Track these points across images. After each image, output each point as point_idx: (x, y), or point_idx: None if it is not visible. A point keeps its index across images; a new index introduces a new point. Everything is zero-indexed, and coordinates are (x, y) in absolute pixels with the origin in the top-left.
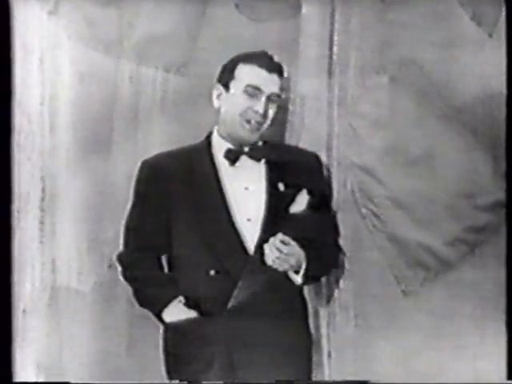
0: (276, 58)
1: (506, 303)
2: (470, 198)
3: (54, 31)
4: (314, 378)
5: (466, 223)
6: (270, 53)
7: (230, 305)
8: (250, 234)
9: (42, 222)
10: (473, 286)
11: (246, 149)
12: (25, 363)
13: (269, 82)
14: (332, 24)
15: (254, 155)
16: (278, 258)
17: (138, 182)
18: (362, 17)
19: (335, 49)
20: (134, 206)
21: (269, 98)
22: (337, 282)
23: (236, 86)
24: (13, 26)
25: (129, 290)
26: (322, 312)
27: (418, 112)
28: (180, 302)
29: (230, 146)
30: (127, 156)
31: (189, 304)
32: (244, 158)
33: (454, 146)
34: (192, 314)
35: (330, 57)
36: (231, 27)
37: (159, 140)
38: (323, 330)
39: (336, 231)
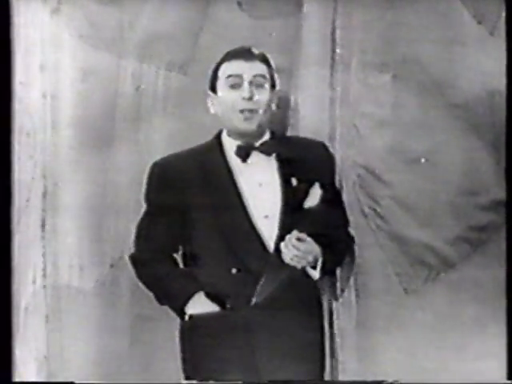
0: (278, 56)
1: (507, 303)
2: (472, 197)
3: (56, 29)
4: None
5: (468, 222)
6: (272, 51)
7: (252, 302)
8: (268, 230)
9: (43, 220)
10: (474, 285)
11: (257, 144)
12: (26, 362)
13: (248, 69)
14: (334, 22)
15: (265, 150)
16: (296, 256)
17: (150, 184)
18: (364, 15)
19: (337, 47)
20: (146, 209)
21: (251, 83)
22: (350, 271)
23: (220, 84)
24: (14, 24)
25: (131, 288)
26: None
27: (421, 110)
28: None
29: (239, 143)
30: (129, 154)
31: (212, 298)
32: (255, 154)
33: (456, 144)
34: (215, 307)
35: (332, 55)
36: (233, 25)
37: (161, 138)
38: (325, 329)
39: (346, 221)
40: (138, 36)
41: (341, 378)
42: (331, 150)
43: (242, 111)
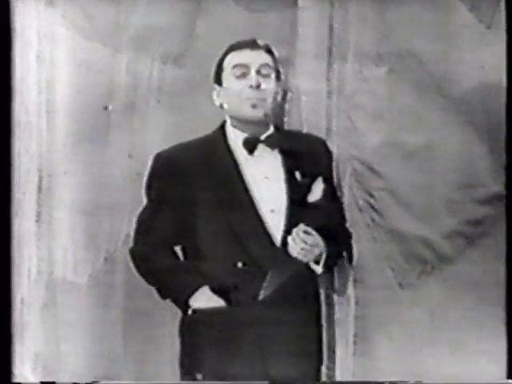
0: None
1: (506, 302)
2: (468, 191)
3: (52, 22)
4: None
5: (464, 216)
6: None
7: (260, 297)
8: (275, 224)
9: (38, 214)
10: (470, 280)
11: (263, 137)
12: (22, 355)
13: (254, 58)
14: (330, 16)
15: (270, 143)
16: (303, 250)
17: (152, 175)
18: (360, 8)
19: (333, 41)
20: (148, 201)
21: (259, 72)
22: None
23: (226, 75)
24: (11, 17)
25: (125, 282)
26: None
27: (417, 104)
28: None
29: (245, 135)
30: (124, 147)
31: (217, 293)
32: (261, 147)
33: (452, 138)
34: (220, 302)
35: (329, 48)
36: (228, 18)
37: (156, 131)
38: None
39: (344, 216)
40: (133, 28)
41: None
42: (328, 143)
43: (249, 99)
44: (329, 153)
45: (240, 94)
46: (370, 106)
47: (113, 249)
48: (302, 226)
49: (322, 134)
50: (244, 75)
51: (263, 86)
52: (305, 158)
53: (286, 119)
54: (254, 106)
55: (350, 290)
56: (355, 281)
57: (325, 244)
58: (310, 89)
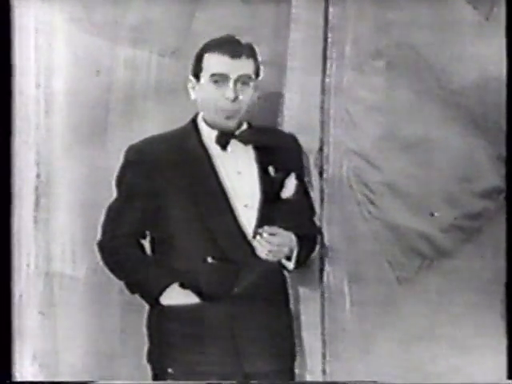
0: (270, 42)
1: (506, 300)
2: (466, 184)
3: (50, 14)
4: (308, 364)
5: (463, 210)
6: (264, 36)
7: (234, 291)
8: (248, 220)
9: (36, 208)
10: (469, 274)
11: (236, 133)
12: (21, 350)
13: (234, 67)
14: (326, 8)
15: (244, 139)
16: (271, 251)
17: (124, 167)
18: (358, 1)
19: (330, 33)
20: (118, 193)
21: (237, 82)
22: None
23: (204, 76)
24: (12, 10)
25: None
26: (317, 298)
27: (415, 97)
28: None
29: (217, 130)
30: (122, 141)
31: (188, 288)
32: (234, 143)
33: (450, 131)
34: (193, 298)
35: (325, 41)
36: (225, 10)
37: (154, 124)
38: (317, 317)
39: (314, 212)
40: (131, 21)
41: (332, 365)
42: (324, 136)
43: (223, 111)
44: (299, 148)
45: (215, 102)
46: (368, 99)
47: None
48: (266, 228)
49: (318, 127)
50: (221, 83)
51: (240, 97)
52: (278, 153)
53: (281, 113)
54: (227, 118)
55: (345, 286)
56: (351, 275)
57: (297, 240)
58: (307, 82)
